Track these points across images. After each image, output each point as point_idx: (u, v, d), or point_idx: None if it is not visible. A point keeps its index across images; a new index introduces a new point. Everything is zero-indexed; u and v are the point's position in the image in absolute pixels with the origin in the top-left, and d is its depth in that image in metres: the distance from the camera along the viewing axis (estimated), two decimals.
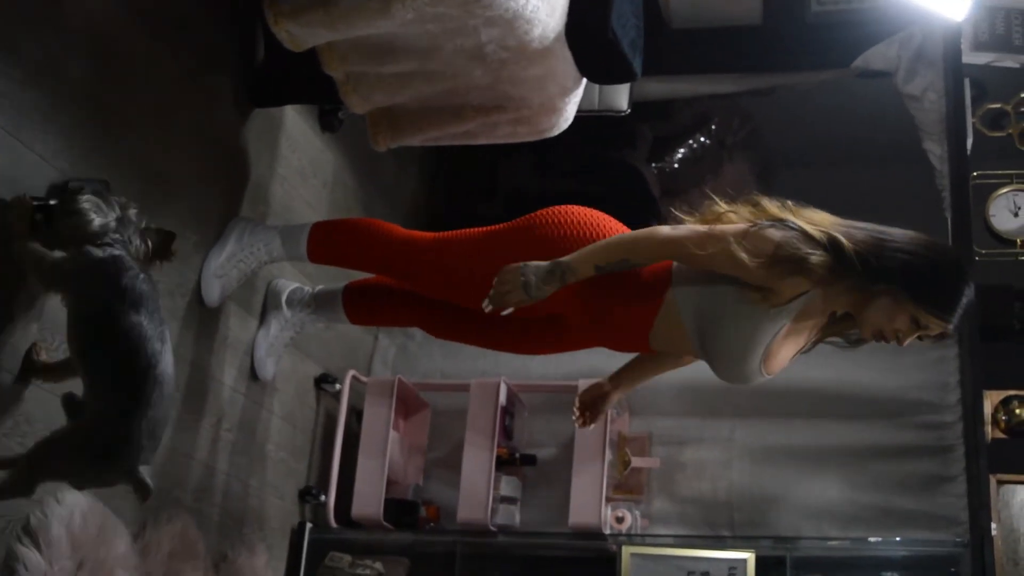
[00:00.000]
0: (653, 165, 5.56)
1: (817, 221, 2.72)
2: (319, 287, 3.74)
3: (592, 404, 3.22)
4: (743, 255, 2.64)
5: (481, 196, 5.61)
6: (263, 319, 3.75)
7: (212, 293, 3.43)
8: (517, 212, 3.37)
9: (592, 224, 2.95)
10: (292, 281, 3.80)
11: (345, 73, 3.38)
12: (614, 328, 3.00)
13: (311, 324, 3.81)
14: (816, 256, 2.63)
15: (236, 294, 3.59)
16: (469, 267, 3.04)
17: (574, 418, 3.21)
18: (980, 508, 3.85)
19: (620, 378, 3.24)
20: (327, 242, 3.41)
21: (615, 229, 2.94)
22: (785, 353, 2.82)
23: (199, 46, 3.41)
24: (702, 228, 2.73)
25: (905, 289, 2.61)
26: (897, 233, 2.69)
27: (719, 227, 2.72)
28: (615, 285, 2.87)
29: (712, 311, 2.79)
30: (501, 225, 3.08)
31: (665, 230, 2.75)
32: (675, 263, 2.84)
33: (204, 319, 3.45)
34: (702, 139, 5.53)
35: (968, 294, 2.67)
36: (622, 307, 2.91)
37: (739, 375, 2.84)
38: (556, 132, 3.66)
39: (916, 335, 2.67)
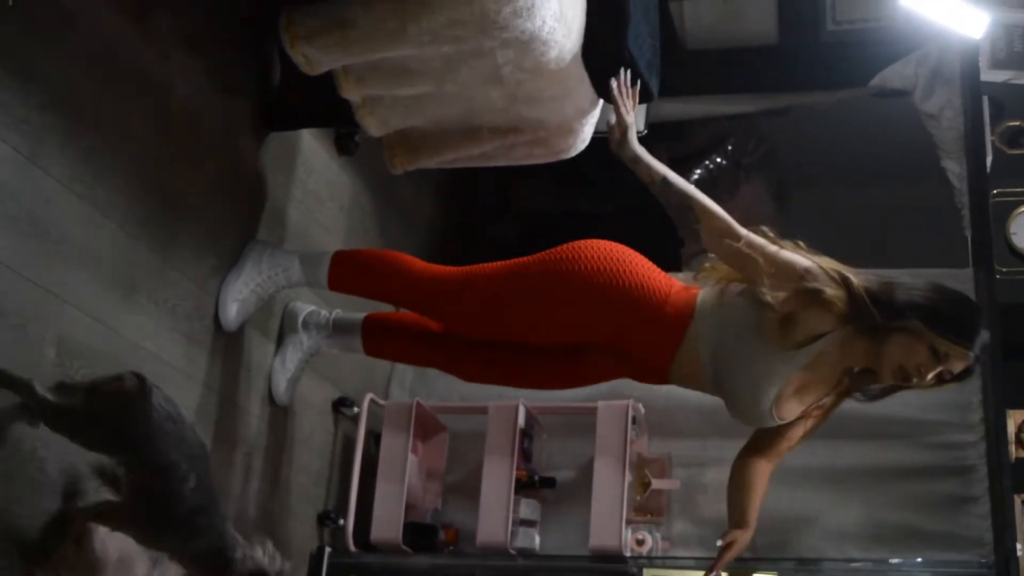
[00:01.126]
0: None
1: (826, 264, 2.80)
2: (337, 312, 3.73)
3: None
4: (770, 271, 2.76)
5: (496, 217, 5.61)
6: (280, 343, 3.75)
7: (229, 316, 3.42)
8: (533, 234, 3.40)
9: (622, 259, 3.03)
10: (309, 304, 3.79)
11: (362, 96, 3.38)
12: (637, 361, 3.08)
13: (326, 348, 3.80)
14: (832, 289, 2.71)
15: (253, 318, 3.59)
16: (494, 302, 3.11)
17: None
18: (1005, 529, 3.81)
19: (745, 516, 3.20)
20: (348, 273, 3.42)
21: (644, 264, 3.05)
22: (797, 402, 2.88)
23: (215, 69, 3.41)
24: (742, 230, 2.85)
25: (921, 320, 2.68)
26: (905, 278, 2.81)
27: (756, 238, 2.83)
28: (641, 319, 2.95)
29: (729, 349, 2.87)
30: (526, 259, 3.12)
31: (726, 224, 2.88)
32: (699, 299, 2.94)
33: (221, 343, 3.45)
34: (718, 159, 5.51)
35: (984, 326, 2.74)
36: (645, 341, 2.99)
37: (751, 416, 2.93)
38: (573, 153, 3.65)
39: (937, 370, 2.72)
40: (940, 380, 2.78)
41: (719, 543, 3.15)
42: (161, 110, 3.16)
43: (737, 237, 2.84)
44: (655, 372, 3.09)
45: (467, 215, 5.57)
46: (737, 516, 3.17)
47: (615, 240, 3.17)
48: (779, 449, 3.15)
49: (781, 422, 2.91)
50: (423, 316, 3.40)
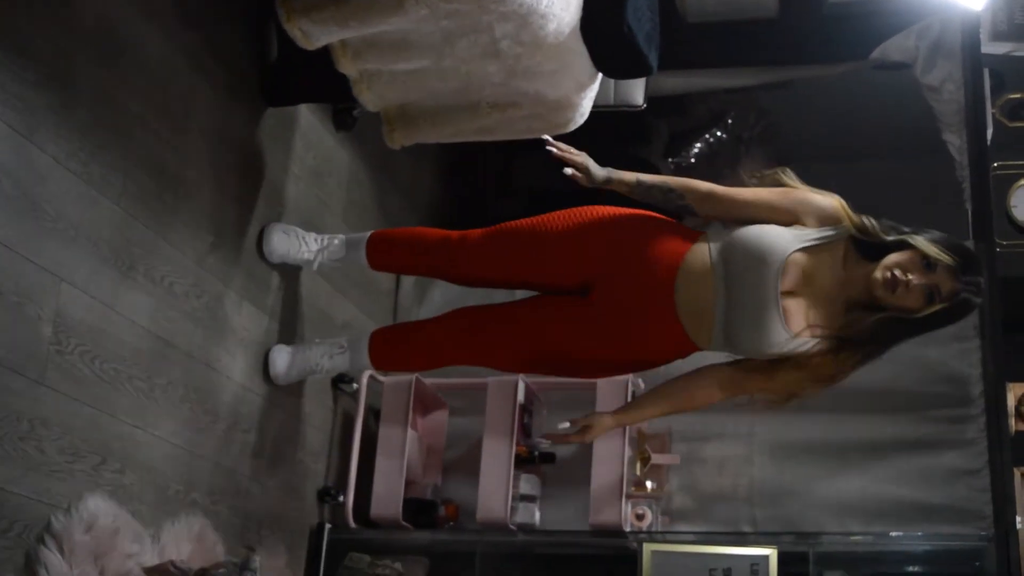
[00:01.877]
0: (670, 160, 5.51)
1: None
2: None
3: (586, 429, 3.34)
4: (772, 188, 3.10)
5: (498, 193, 5.59)
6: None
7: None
8: (535, 210, 3.38)
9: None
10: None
11: (359, 71, 3.36)
12: (642, 286, 3.10)
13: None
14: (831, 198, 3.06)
15: (250, 292, 3.59)
16: (498, 230, 3.34)
17: (561, 427, 3.34)
18: (1005, 502, 3.81)
19: (625, 410, 3.46)
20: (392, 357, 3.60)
21: (664, 223, 3.21)
22: (800, 309, 2.93)
23: (212, 44, 3.39)
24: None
25: (916, 234, 2.90)
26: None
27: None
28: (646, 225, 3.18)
29: (734, 236, 3.01)
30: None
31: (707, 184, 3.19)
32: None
33: (218, 320, 3.44)
34: (719, 134, 5.48)
35: (979, 263, 2.94)
36: (651, 239, 3.11)
37: (758, 298, 2.93)
38: (572, 127, 3.63)
39: (926, 283, 2.84)
40: (930, 300, 2.86)
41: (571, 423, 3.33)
42: (157, 86, 3.15)
43: (723, 190, 3.15)
44: (660, 294, 3.07)
45: (469, 191, 5.56)
46: (626, 407, 3.52)
47: None
48: (750, 384, 3.14)
49: (793, 338, 2.92)
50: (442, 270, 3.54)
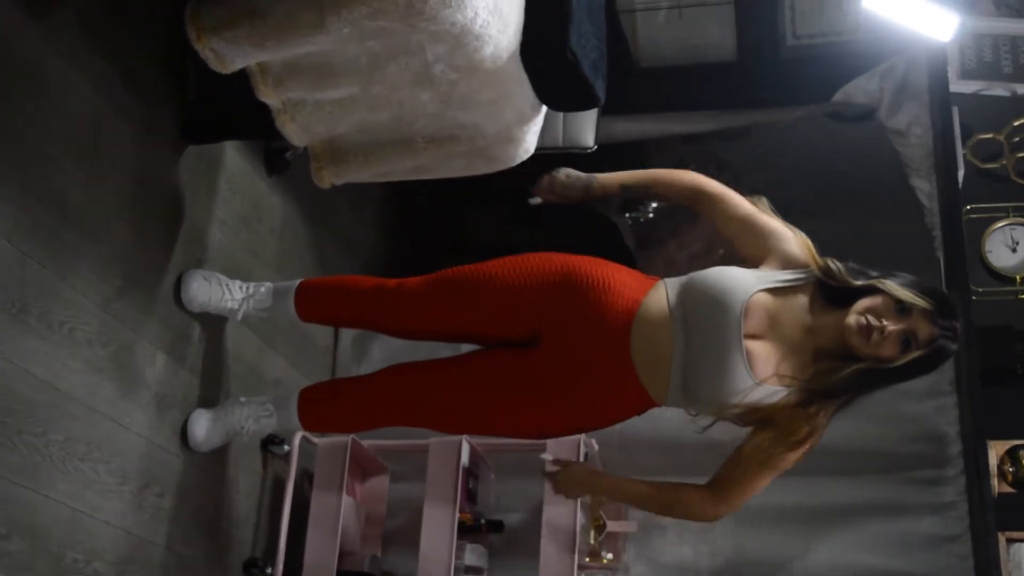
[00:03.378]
0: (627, 215, 5.28)
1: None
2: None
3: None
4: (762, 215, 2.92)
5: (447, 248, 5.33)
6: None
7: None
8: None
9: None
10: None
11: (281, 100, 3.10)
12: (593, 339, 2.88)
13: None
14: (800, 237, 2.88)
15: (166, 342, 3.29)
16: (437, 275, 3.13)
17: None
18: (989, 570, 3.52)
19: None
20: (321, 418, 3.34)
21: (618, 268, 3.00)
22: (766, 357, 2.70)
23: (127, 72, 3.13)
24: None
25: (885, 278, 2.71)
26: None
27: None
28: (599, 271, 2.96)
29: (696, 279, 2.82)
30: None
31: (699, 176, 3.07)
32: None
33: (127, 372, 3.13)
34: None
35: (955, 307, 2.73)
36: (605, 286, 2.91)
37: (721, 363, 2.70)
38: (515, 163, 3.37)
39: (901, 328, 2.64)
40: (905, 347, 2.66)
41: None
42: (61, 114, 2.87)
43: (714, 189, 3.04)
44: (614, 343, 2.84)
45: (416, 245, 5.29)
46: (608, 481, 3.16)
47: None
48: (732, 486, 2.87)
49: (758, 386, 2.69)
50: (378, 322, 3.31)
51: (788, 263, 2.82)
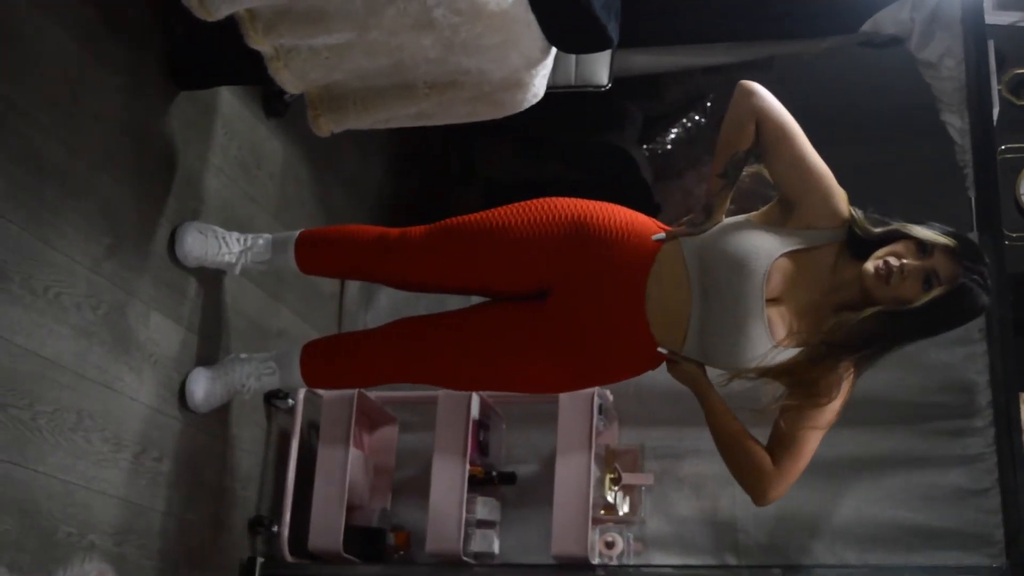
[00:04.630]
0: (644, 147, 5.11)
1: None
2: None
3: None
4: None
5: (457, 185, 5.15)
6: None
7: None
8: (496, 201, 3.00)
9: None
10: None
11: (273, 47, 2.92)
12: (607, 292, 2.75)
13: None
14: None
15: (160, 301, 3.16)
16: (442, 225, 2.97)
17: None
18: (1019, 527, 3.38)
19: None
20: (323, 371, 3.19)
21: (633, 218, 2.84)
22: (782, 318, 2.59)
23: (107, 18, 2.96)
24: None
25: (908, 222, 2.58)
26: None
27: None
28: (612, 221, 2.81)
29: (715, 236, 2.68)
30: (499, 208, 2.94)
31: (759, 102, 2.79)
32: None
33: (119, 335, 3.00)
34: (696, 118, 5.06)
35: (981, 251, 2.56)
36: (618, 237, 2.78)
37: (740, 329, 2.58)
38: (522, 108, 3.18)
39: (922, 266, 2.50)
40: (927, 285, 2.50)
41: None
42: (37, 63, 2.71)
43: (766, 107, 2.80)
44: (628, 299, 2.72)
45: (424, 183, 5.12)
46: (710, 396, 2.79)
47: None
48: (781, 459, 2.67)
49: (776, 348, 2.57)
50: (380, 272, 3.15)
51: (824, 219, 2.66)
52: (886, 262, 2.53)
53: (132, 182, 3.06)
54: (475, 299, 3.10)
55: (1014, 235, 3.88)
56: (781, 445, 2.64)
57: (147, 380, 3.11)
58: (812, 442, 2.66)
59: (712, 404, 2.73)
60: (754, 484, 2.67)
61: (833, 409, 2.66)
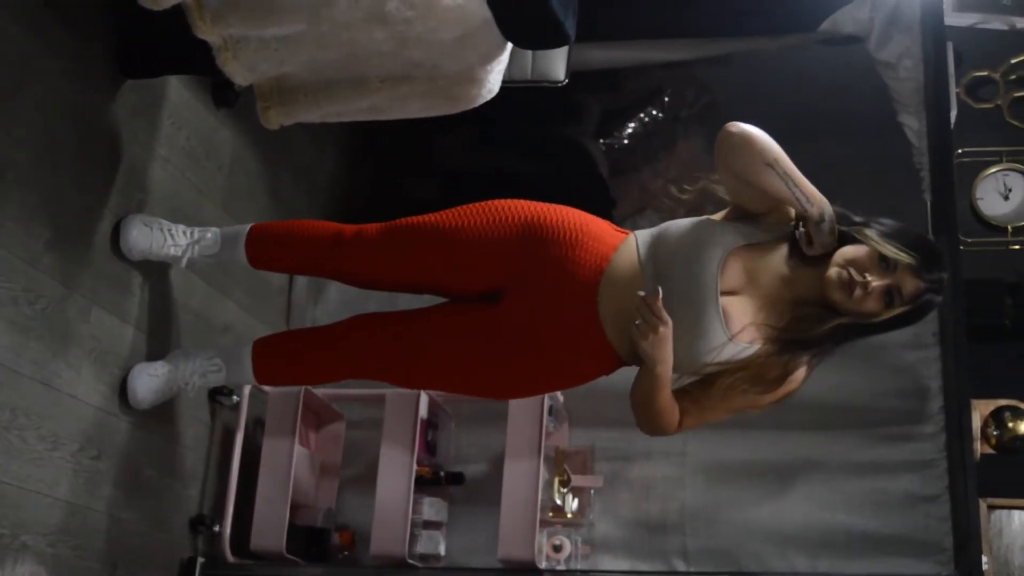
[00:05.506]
0: (601, 141, 5.06)
1: None
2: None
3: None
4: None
5: (412, 178, 5.07)
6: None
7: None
8: (454, 195, 2.98)
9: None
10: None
11: (222, 37, 2.83)
12: (558, 290, 2.72)
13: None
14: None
15: (101, 295, 3.07)
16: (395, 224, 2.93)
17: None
18: (968, 534, 3.36)
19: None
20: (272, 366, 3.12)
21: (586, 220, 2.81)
22: (741, 307, 2.57)
23: (54, 4, 2.87)
24: None
25: (868, 227, 2.56)
26: None
27: None
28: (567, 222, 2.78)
29: (672, 234, 2.67)
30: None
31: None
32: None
33: (57, 330, 2.91)
34: (654, 112, 5.02)
35: (943, 258, 2.60)
36: (573, 239, 2.74)
37: (695, 322, 2.56)
38: (476, 104, 3.12)
39: (885, 283, 2.51)
40: (888, 301, 2.54)
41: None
42: None
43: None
44: (581, 302, 2.68)
45: (378, 175, 5.03)
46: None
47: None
48: (686, 410, 2.69)
49: (732, 342, 2.55)
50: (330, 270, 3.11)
51: (779, 218, 2.67)
52: (849, 275, 2.52)
53: (75, 173, 2.98)
54: (427, 297, 3.05)
55: (969, 240, 3.87)
56: (700, 400, 2.67)
57: (87, 376, 3.03)
58: (725, 415, 2.72)
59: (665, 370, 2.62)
60: (657, 426, 2.68)
61: (769, 400, 2.67)
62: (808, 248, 2.59)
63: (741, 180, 2.61)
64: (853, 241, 2.56)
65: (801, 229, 2.61)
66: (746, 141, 2.59)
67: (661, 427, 2.68)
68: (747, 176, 2.58)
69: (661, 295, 2.47)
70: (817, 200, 2.58)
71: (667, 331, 2.50)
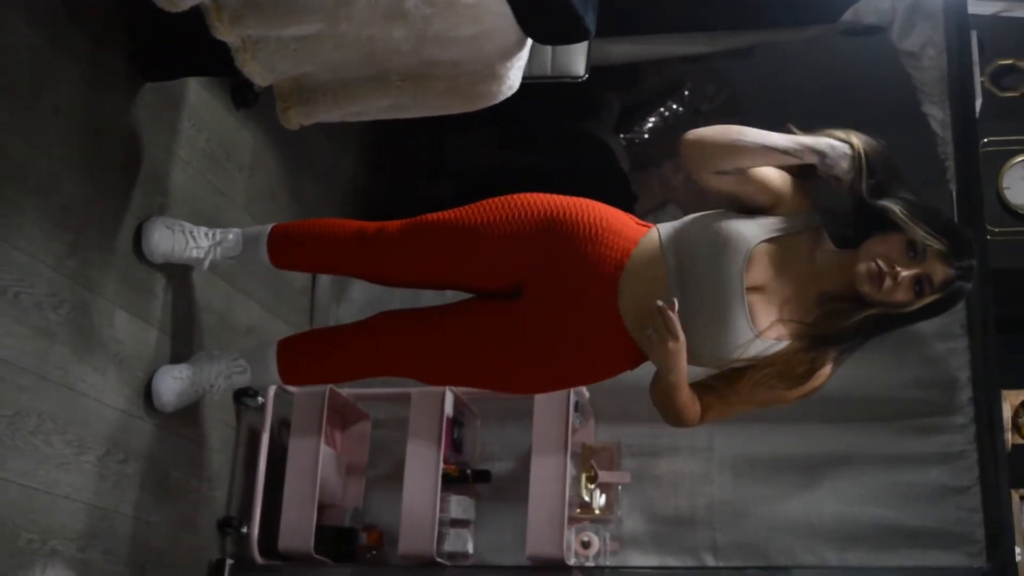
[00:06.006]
0: (621, 136, 5.04)
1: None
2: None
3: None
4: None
5: (432, 176, 5.07)
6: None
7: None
8: (470, 192, 2.98)
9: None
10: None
11: (240, 37, 2.82)
12: (580, 284, 2.70)
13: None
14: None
15: (125, 299, 3.08)
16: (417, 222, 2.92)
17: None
18: (1000, 526, 3.33)
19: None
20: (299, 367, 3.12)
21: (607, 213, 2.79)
22: (766, 305, 2.54)
23: (69, 6, 2.86)
24: None
25: (901, 205, 2.50)
26: None
27: None
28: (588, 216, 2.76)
29: (693, 228, 2.65)
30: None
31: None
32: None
33: (82, 335, 2.91)
34: (675, 107, 4.99)
35: (973, 244, 2.53)
36: (593, 233, 2.72)
37: (720, 294, 2.54)
38: (498, 101, 3.10)
39: (915, 272, 2.47)
40: (919, 291, 2.49)
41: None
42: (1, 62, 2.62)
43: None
44: (601, 298, 2.66)
45: (397, 175, 5.03)
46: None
47: None
48: (710, 404, 2.69)
49: (758, 339, 2.54)
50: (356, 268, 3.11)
51: (796, 209, 2.64)
52: (878, 266, 2.49)
53: (96, 177, 2.98)
54: (450, 293, 3.04)
55: (996, 230, 3.83)
56: (726, 395, 2.66)
57: (112, 380, 3.03)
58: (750, 409, 2.73)
59: (680, 378, 2.61)
60: (681, 419, 2.68)
61: (794, 395, 2.66)
62: (837, 185, 2.56)
63: (727, 178, 2.58)
64: (880, 224, 2.52)
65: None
66: (700, 137, 2.60)
67: (683, 421, 2.68)
68: (726, 165, 2.57)
69: (677, 306, 2.47)
70: (807, 144, 2.55)
71: (677, 347, 2.49)
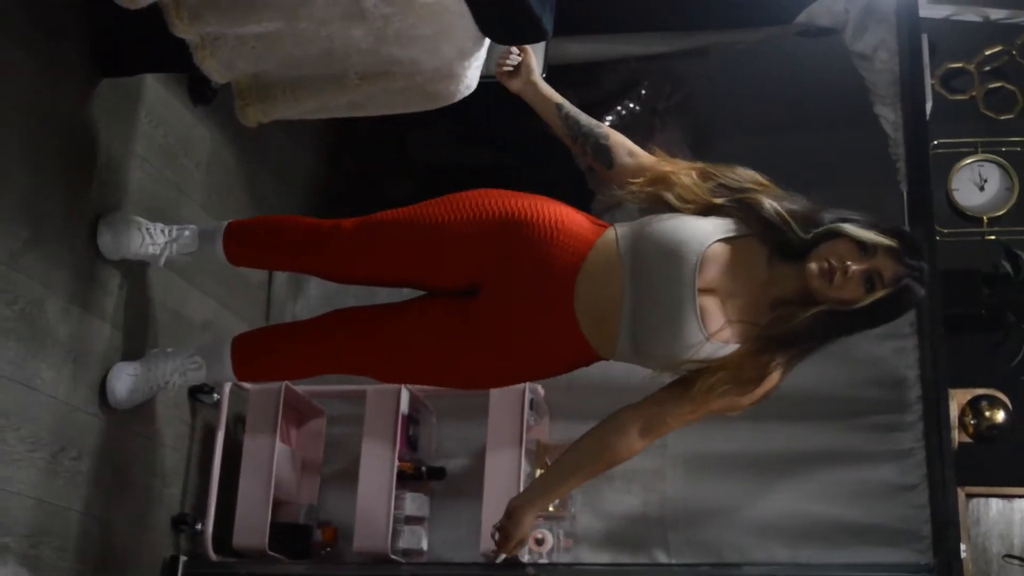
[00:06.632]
0: None
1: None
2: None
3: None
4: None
5: (390, 173, 5.07)
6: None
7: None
8: (431, 188, 2.97)
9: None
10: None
11: (199, 35, 2.83)
12: (535, 285, 2.71)
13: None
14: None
15: (80, 295, 3.07)
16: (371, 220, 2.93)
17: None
18: (946, 523, 3.39)
19: (543, 491, 2.90)
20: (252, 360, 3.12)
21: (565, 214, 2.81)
22: (719, 306, 2.57)
23: (29, 2, 2.85)
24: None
25: (844, 221, 2.55)
26: None
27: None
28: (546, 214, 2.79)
29: (648, 230, 2.66)
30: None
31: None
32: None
33: (36, 330, 2.90)
34: (631, 105, 5.01)
35: (920, 243, 2.60)
36: (551, 232, 2.74)
37: (672, 318, 2.56)
38: (454, 100, 3.13)
39: (865, 268, 2.50)
40: (870, 287, 2.52)
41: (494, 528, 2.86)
42: None
43: (651, 162, 2.89)
44: (557, 297, 2.68)
45: (357, 171, 5.03)
46: (543, 486, 2.87)
47: None
48: (670, 417, 2.71)
49: (708, 341, 2.55)
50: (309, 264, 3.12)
51: (743, 210, 2.67)
52: (829, 263, 2.52)
53: (52, 173, 2.97)
54: (406, 291, 3.05)
55: (946, 231, 3.89)
56: (675, 406, 2.67)
57: (66, 377, 3.02)
58: (700, 417, 2.72)
59: (556, 495, 2.98)
60: (626, 456, 2.76)
61: (748, 402, 2.67)
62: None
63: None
64: (829, 238, 2.56)
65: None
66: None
67: (618, 460, 2.77)
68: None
69: (628, 310, 2.61)
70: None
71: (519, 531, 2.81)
